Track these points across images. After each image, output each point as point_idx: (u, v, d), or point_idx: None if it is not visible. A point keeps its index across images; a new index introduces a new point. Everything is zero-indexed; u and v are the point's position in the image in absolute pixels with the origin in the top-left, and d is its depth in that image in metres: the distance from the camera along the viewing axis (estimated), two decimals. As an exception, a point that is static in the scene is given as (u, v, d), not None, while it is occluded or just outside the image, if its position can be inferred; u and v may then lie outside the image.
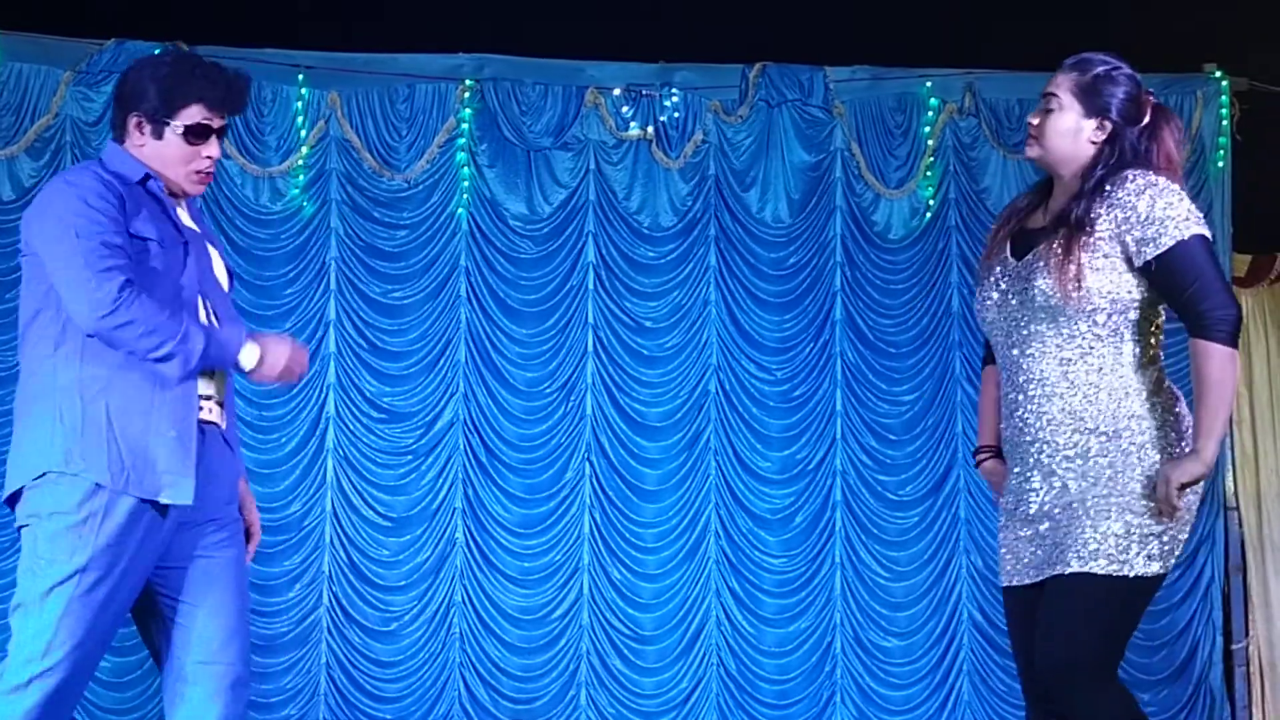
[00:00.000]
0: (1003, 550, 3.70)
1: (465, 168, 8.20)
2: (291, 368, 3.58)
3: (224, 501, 3.73)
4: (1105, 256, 3.48)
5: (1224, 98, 8.46)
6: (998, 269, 3.66)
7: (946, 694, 8.32)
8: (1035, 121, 3.62)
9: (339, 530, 8.05)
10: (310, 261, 8.08)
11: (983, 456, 3.87)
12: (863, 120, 8.42)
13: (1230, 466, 8.41)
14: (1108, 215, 3.47)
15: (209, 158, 3.71)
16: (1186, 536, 3.57)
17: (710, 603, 8.18)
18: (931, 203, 8.49)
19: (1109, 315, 3.49)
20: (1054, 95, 3.63)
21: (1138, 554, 3.48)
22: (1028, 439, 3.59)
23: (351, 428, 8.04)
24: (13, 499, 3.60)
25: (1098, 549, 3.47)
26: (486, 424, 8.16)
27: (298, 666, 7.96)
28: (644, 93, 8.20)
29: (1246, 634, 8.37)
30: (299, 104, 8.09)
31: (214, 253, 3.80)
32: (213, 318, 3.68)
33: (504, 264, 8.24)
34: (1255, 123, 8.40)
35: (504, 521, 8.15)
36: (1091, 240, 3.46)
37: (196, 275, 3.66)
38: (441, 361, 8.14)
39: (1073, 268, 3.44)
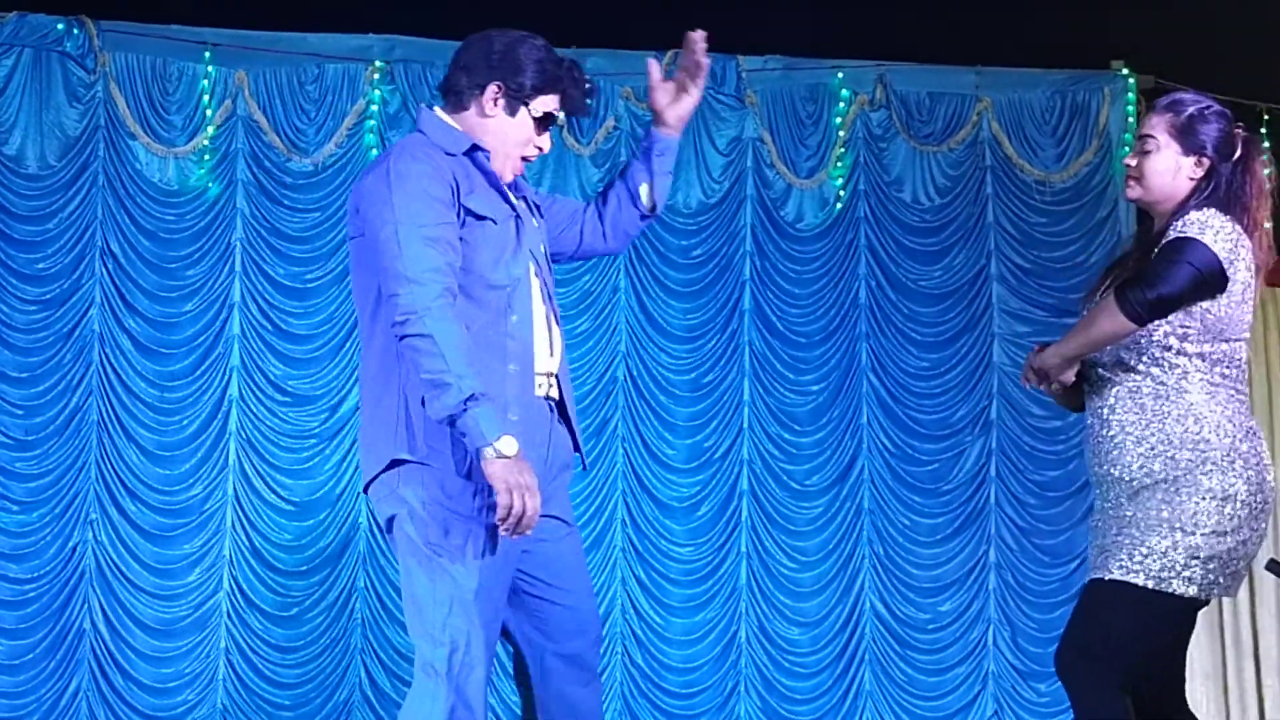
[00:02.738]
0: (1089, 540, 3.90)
1: (374, 151, 8.05)
2: (525, 499, 3.33)
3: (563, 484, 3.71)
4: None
5: (1130, 94, 8.53)
6: (1097, 299, 3.79)
7: (849, 684, 8.36)
8: (1133, 163, 3.72)
9: (240, 514, 7.98)
10: (215, 243, 8.00)
11: None
12: (774, 110, 8.44)
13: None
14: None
15: (540, 149, 3.66)
16: (1234, 572, 3.67)
17: (616, 591, 8.17)
18: (842, 194, 8.51)
19: (1177, 346, 3.62)
20: (1151, 136, 3.71)
21: (1179, 575, 3.59)
22: (1098, 462, 3.72)
23: (255, 411, 7.97)
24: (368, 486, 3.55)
25: (1142, 563, 3.58)
26: None
27: (196, 651, 7.87)
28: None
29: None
30: (205, 83, 8.02)
31: (536, 224, 3.71)
32: (546, 296, 3.63)
33: None
34: (1161, 120, 8.43)
35: (408, 507, 8.02)
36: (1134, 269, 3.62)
37: (529, 250, 3.60)
38: (348, 345, 8.03)
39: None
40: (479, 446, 3.29)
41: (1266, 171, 3.73)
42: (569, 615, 3.59)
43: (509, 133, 3.59)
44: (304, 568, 8.00)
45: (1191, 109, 3.68)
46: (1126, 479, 3.63)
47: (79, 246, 7.89)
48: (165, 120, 7.96)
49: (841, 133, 8.54)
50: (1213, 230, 3.57)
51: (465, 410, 3.26)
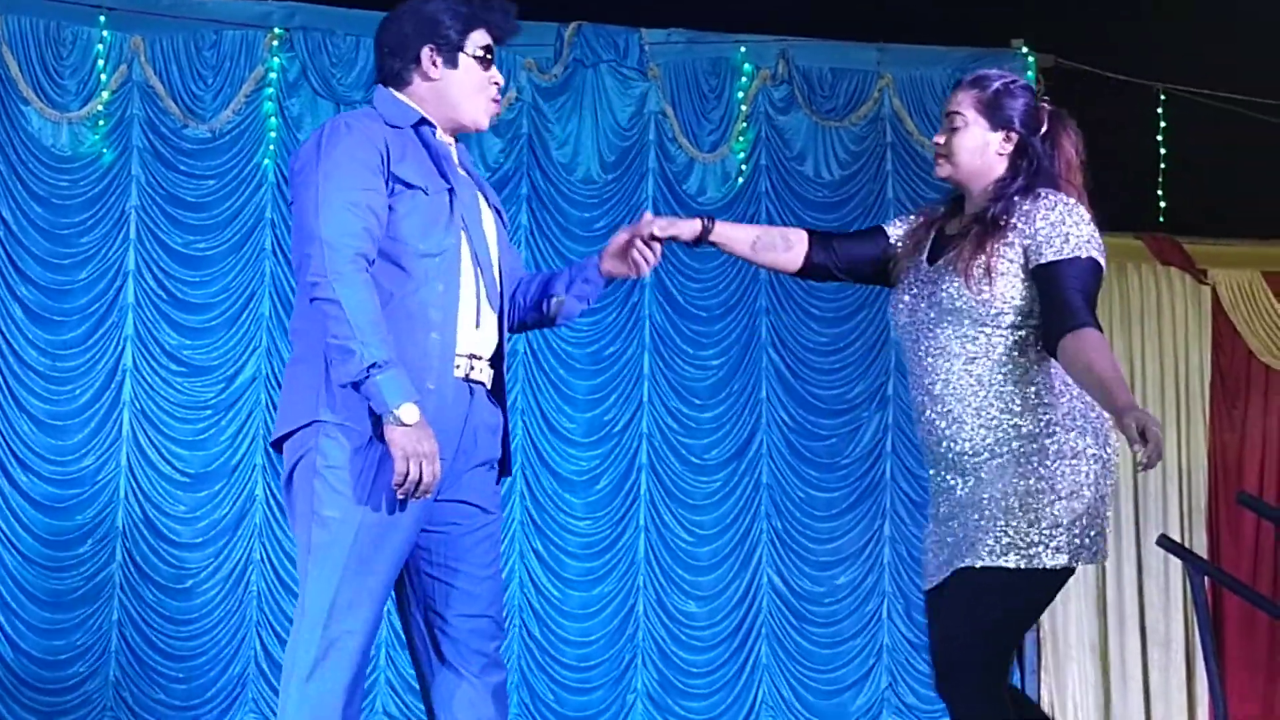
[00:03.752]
0: (925, 554, 3.76)
1: (273, 118, 8.09)
2: (423, 466, 3.37)
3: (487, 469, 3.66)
4: (1010, 262, 3.55)
5: (1030, 74, 8.57)
6: (910, 273, 3.73)
7: (745, 657, 8.40)
8: (942, 140, 3.70)
9: (134, 485, 7.89)
10: (109, 210, 7.90)
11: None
12: (677, 84, 8.45)
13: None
14: (1020, 224, 3.56)
15: (496, 84, 3.65)
16: (1098, 532, 3.62)
17: (514, 564, 8.15)
18: (744, 168, 8.53)
19: (1013, 319, 3.57)
20: (957, 113, 3.69)
21: (1046, 547, 3.53)
22: (936, 440, 3.65)
23: (149, 381, 7.89)
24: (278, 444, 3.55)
25: (1010, 543, 3.53)
26: None
27: (89, 624, 7.77)
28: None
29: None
30: (100, 47, 7.91)
31: (483, 201, 3.68)
32: (481, 273, 3.59)
33: None
34: (1060, 99, 8.36)
35: (305, 479, 7.97)
36: (999, 245, 3.55)
37: (465, 223, 3.57)
38: (244, 315, 8.02)
39: (980, 267, 3.54)
40: (380, 414, 3.32)
41: (1080, 148, 3.72)
42: (465, 598, 3.58)
43: (462, 82, 3.60)
44: (199, 540, 7.92)
45: (997, 84, 3.66)
46: (970, 453, 3.59)
47: (-32, 212, 7.72)
48: (59, 85, 7.85)
49: (744, 107, 8.56)
50: (1091, 235, 3.58)
51: (368, 377, 3.29)
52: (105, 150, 7.87)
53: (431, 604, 3.58)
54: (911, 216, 3.84)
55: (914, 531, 8.26)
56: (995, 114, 3.64)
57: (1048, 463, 3.52)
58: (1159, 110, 8.47)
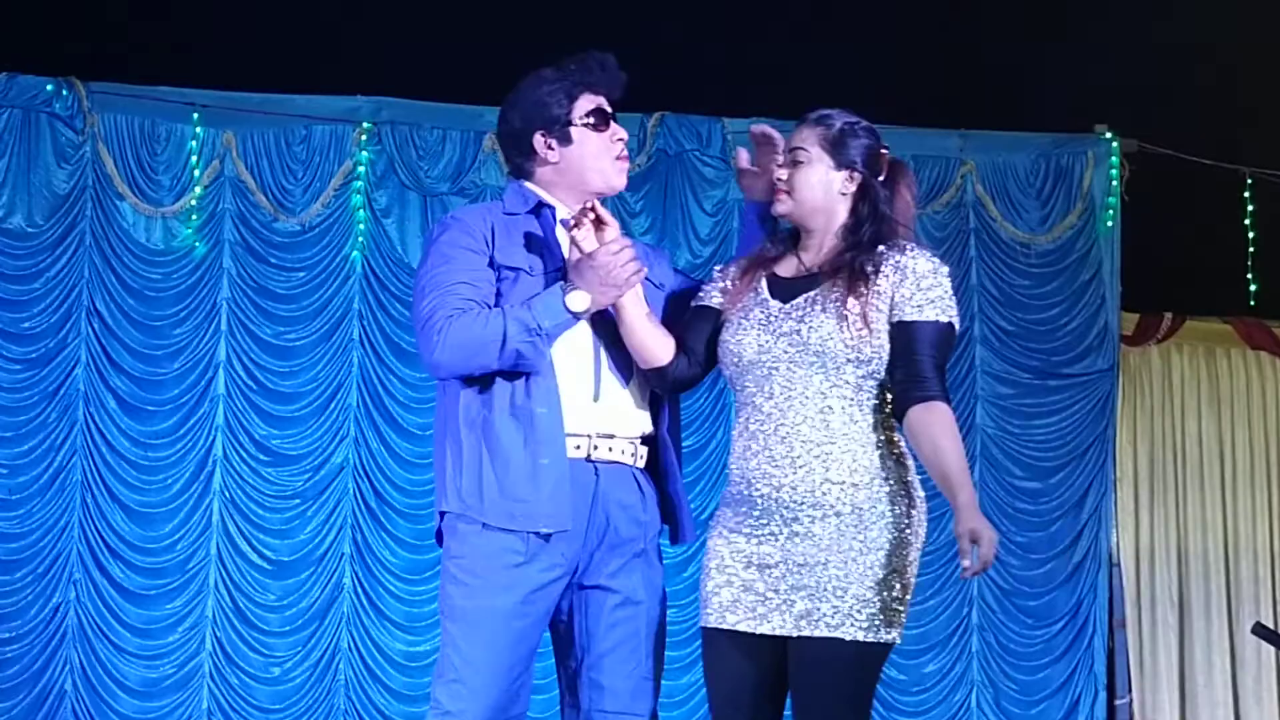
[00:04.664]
0: (721, 589, 3.50)
1: (360, 210, 8.08)
2: (621, 274, 3.37)
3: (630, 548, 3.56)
4: (878, 311, 3.45)
5: (1114, 158, 8.48)
6: (752, 311, 3.56)
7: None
8: (784, 175, 3.57)
9: (224, 573, 7.86)
10: (201, 302, 7.93)
11: None
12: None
13: (1114, 523, 8.37)
14: (887, 274, 3.46)
15: (620, 140, 3.59)
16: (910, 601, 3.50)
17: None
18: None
19: (872, 368, 3.45)
20: (802, 149, 3.57)
21: (884, 621, 3.40)
22: (769, 484, 3.45)
23: (239, 470, 7.90)
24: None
25: (852, 613, 3.38)
26: (377, 468, 8.01)
27: (178, 711, 7.75)
28: None
29: (1129, 690, 8.35)
30: (194, 143, 7.95)
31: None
32: (598, 337, 3.56)
33: (398, 308, 8.03)
34: (1144, 183, 8.45)
35: (392, 567, 8.00)
36: (868, 293, 3.45)
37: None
38: (332, 405, 8.01)
39: (856, 315, 3.42)
40: (559, 323, 3.36)
41: (915, 201, 3.66)
42: (607, 694, 3.52)
43: (580, 155, 3.56)
44: (287, 628, 7.91)
45: (840, 123, 3.56)
46: (808, 504, 3.41)
47: (65, 305, 7.83)
48: (153, 180, 7.89)
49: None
50: (952, 300, 3.52)
51: (519, 318, 3.35)
52: (198, 244, 7.90)
53: (576, 697, 3.55)
54: (720, 270, 3.69)
55: (1002, 619, 8.18)
56: (839, 152, 3.54)
57: (895, 530, 3.39)
58: (1245, 194, 8.43)
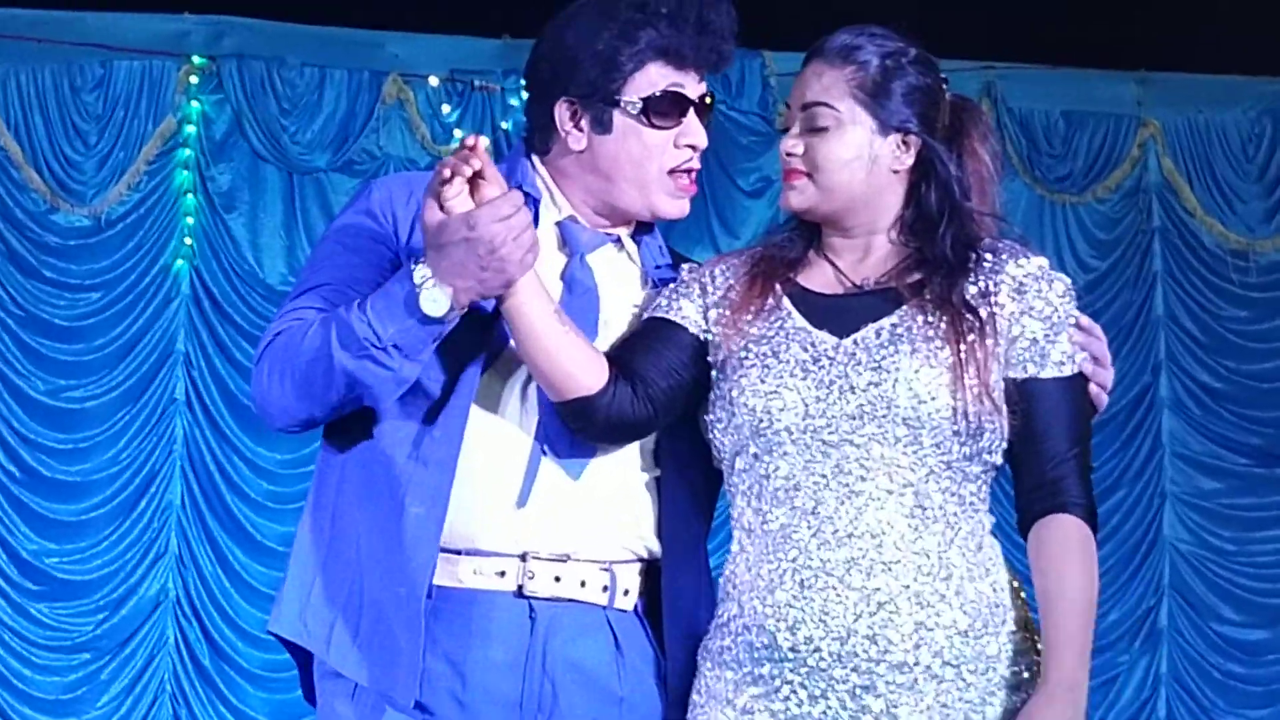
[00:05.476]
0: None
1: (188, 196, 6.98)
2: (512, 250, 2.61)
3: None
4: (994, 358, 2.76)
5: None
6: (791, 346, 2.77)
7: None
8: (798, 150, 2.73)
9: None
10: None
11: None
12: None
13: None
14: (1001, 298, 2.71)
15: (691, 145, 2.76)
16: None
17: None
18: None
19: (983, 444, 2.71)
20: (824, 106, 2.73)
21: None
22: (823, 631, 2.72)
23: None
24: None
25: None
26: (211, 603, 6.81)
27: None
28: (477, 84, 7.16)
29: None
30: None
31: (629, 311, 2.89)
32: (544, 408, 2.91)
33: (250, 350, 6.86)
34: None
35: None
36: (981, 328, 2.72)
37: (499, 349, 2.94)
38: (144, 505, 6.77)
39: (973, 363, 2.68)
40: (405, 329, 2.66)
41: (998, 160, 2.83)
42: None
43: (619, 154, 2.78)
44: None
45: (879, 57, 2.76)
46: (894, 666, 2.69)
47: None
48: None
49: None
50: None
51: (344, 327, 2.73)
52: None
53: None
54: (692, 271, 2.89)
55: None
56: (883, 106, 2.73)
57: (1021, 704, 2.73)
58: None
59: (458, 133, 7.05)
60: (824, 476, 2.78)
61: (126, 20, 6.96)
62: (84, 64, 6.95)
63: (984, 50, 7.11)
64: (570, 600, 2.77)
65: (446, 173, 2.67)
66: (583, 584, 2.76)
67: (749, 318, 2.86)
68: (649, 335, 2.94)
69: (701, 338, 2.87)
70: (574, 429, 2.86)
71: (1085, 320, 2.74)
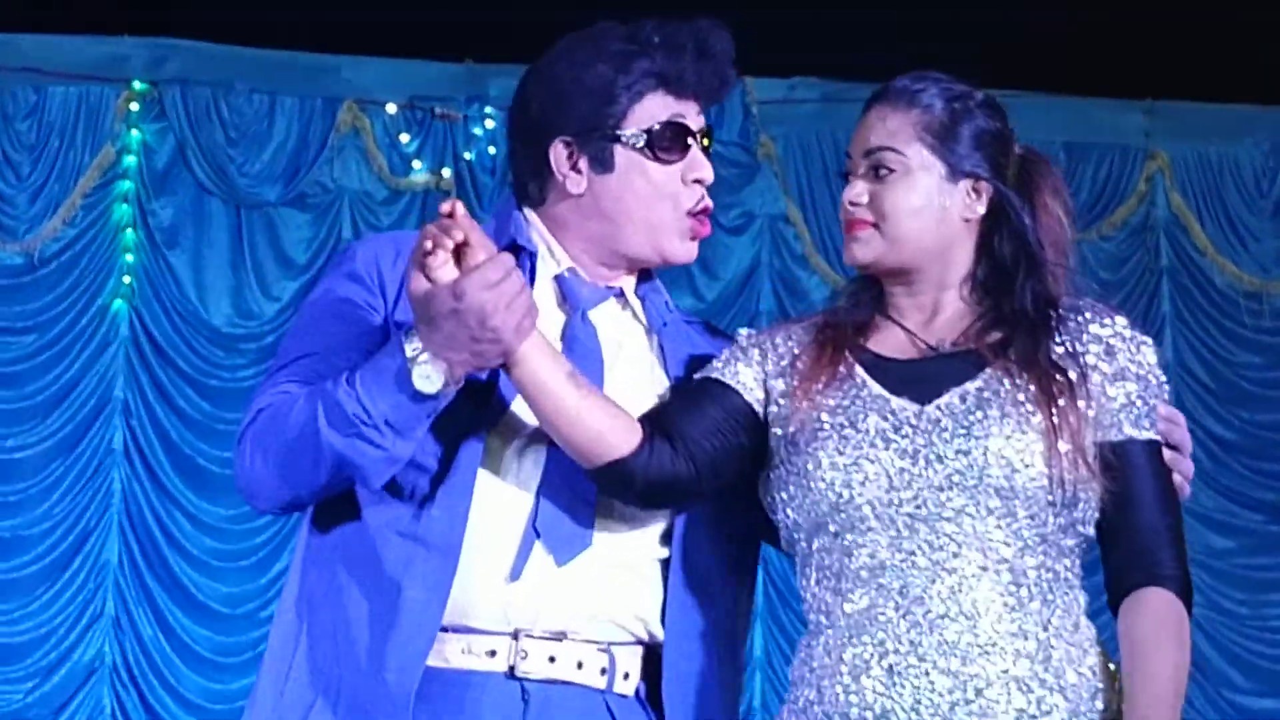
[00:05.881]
0: None
1: (128, 230, 6.96)
2: (506, 319, 2.53)
3: None
4: (1086, 423, 2.64)
5: None
6: (871, 417, 2.68)
7: None
8: (862, 199, 2.66)
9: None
10: None
11: None
12: (809, 163, 7.53)
13: None
14: (1091, 359, 2.62)
15: (699, 181, 2.68)
16: None
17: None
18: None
19: (1078, 514, 2.60)
20: (890, 151, 2.66)
21: None
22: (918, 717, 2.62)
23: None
24: None
25: None
26: (153, 674, 6.72)
27: None
28: (437, 112, 7.20)
29: None
30: None
31: (636, 369, 2.82)
32: (545, 478, 2.79)
33: (196, 400, 6.84)
34: None
35: None
36: (1074, 392, 2.62)
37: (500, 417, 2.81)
38: (76, 567, 6.70)
39: (1067, 428, 2.58)
40: (396, 405, 2.58)
41: (1071, 214, 2.74)
42: None
43: (624, 194, 2.70)
44: None
45: (944, 100, 2.67)
46: None
47: None
48: None
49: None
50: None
51: (331, 404, 2.64)
52: None
53: None
54: (751, 337, 2.79)
55: None
56: (952, 150, 2.67)
57: None
58: None
59: (416, 164, 7.06)
60: (911, 553, 2.71)
61: (62, 43, 6.94)
62: (16, 90, 6.93)
63: (979, 75, 7.01)
64: (566, 683, 2.71)
65: (428, 244, 2.57)
66: (579, 665, 2.69)
67: (820, 387, 2.77)
68: (696, 394, 2.89)
69: (756, 407, 2.82)
70: (614, 496, 2.79)
71: (1165, 409, 2.65)
